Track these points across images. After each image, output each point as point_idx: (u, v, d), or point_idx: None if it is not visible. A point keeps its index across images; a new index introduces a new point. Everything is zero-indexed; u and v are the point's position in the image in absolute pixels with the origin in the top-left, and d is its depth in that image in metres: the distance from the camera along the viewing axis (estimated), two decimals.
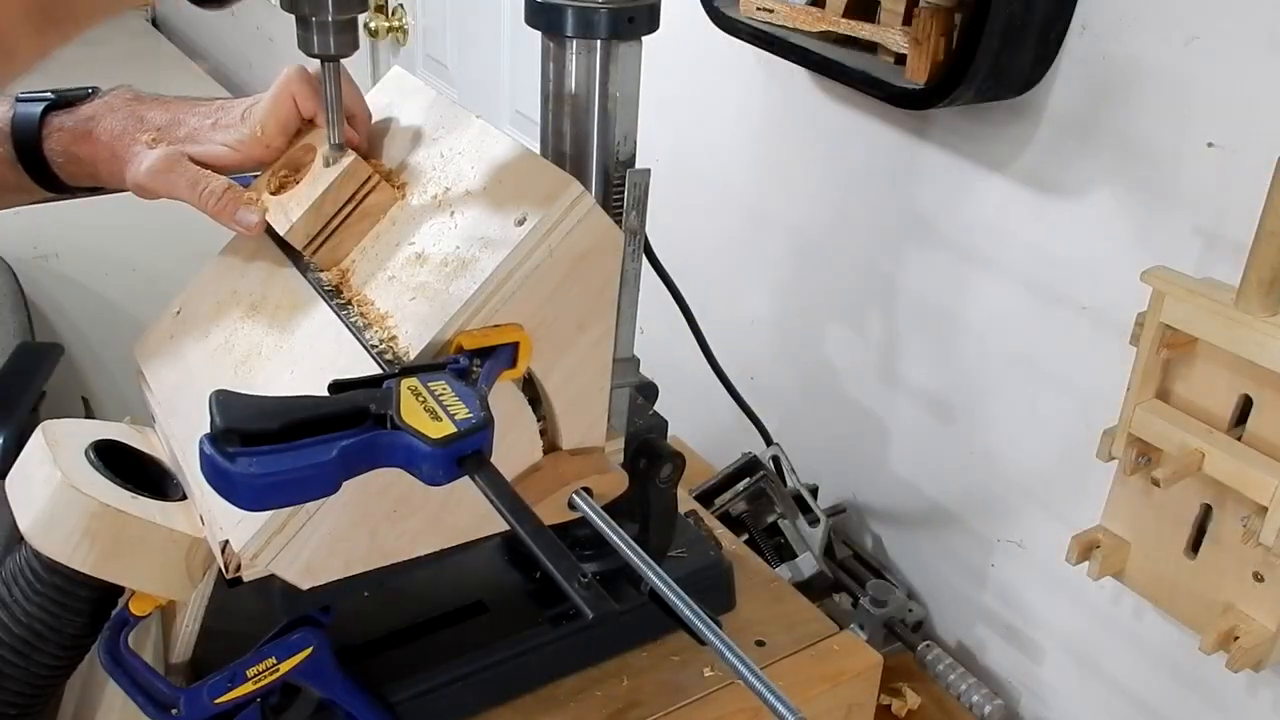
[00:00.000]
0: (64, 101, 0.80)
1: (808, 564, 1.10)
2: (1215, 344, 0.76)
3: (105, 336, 2.11)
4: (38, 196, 0.83)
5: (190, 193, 0.74)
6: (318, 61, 0.72)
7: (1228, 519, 0.80)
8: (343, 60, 0.73)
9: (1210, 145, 0.81)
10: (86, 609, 0.69)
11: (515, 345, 0.66)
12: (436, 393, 0.57)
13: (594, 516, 0.69)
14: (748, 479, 1.15)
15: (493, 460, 0.57)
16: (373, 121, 0.81)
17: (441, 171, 0.74)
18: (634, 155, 0.77)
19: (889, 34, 0.94)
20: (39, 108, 0.79)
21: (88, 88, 0.82)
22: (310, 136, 0.77)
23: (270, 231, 0.78)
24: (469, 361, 0.63)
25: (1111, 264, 0.89)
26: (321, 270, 0.75)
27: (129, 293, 2.08)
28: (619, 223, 0.71)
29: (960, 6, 0.87)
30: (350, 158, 0.73)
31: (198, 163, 0.76)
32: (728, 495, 1.15)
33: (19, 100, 0.80)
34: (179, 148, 0.76)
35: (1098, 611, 0.98)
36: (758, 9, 1.05)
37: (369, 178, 0.73)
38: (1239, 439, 0.78)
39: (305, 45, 0.70)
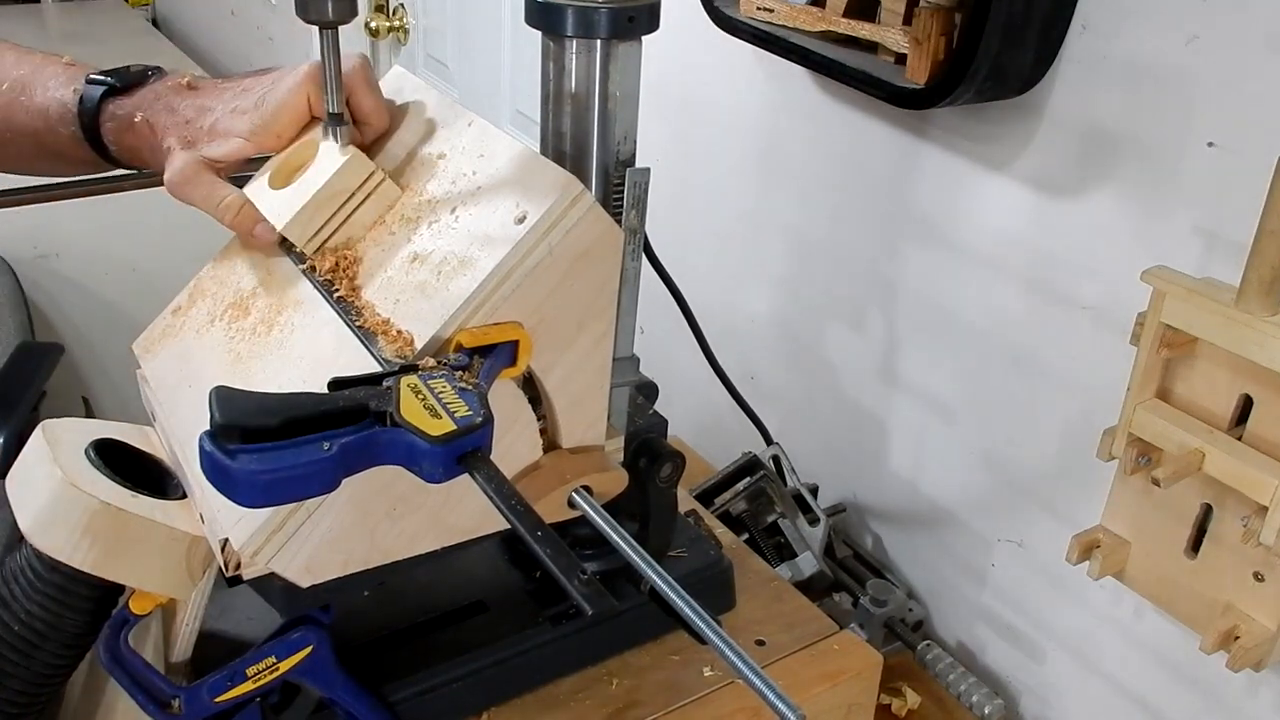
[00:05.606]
0: (122, 86, 0.82)
1: (808, 563, 1.10)
2: (1215, 344, 0.76)
3: (105, 336, 2.11)
4: (106, 169, 0.86)
5: (206, 205, 0.77)
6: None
7: (1228, 519, 0.80)
8: (346, 62, 0.73)
9: (1210, 145, 0.81)
10: (87, 608, 0.69)
11: (515, 343, 0.66)
12: (436, 390, 0.57)
13: (594, 515, 0.69)
14: (748, 479, 1.15)
15: (492, 458, 0.57)
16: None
17: (442, 170, 0.74)
18: (634, 155, 0.77)
19: (889, 34, 0.94)
20: (99, 91, 0.82)
21: (150, 68, 0.84)
22: (316, 133, 0.77)
23: None
24: (469, 359, 0.63)
25: (1111, 264, 0.89)
26: (322, 267, 0.74)
27: (129, 293, 2.09)
28: (619, 222, 0.71)
29: (960, 6, 0.87)
30: (351, 153, 0.73)
31: (216, 161, 0.77)
32: (728, 495, 1.15)
33: (88, 81, 0.83)
34: (199, 152, 0.77)
35: (1098, 611, 0.98)
36: (758, 9, 1.05)
37: (370, 175, 0.73)
38: (1239, 439, 0.78)
39: (302, 10, 0.69)
